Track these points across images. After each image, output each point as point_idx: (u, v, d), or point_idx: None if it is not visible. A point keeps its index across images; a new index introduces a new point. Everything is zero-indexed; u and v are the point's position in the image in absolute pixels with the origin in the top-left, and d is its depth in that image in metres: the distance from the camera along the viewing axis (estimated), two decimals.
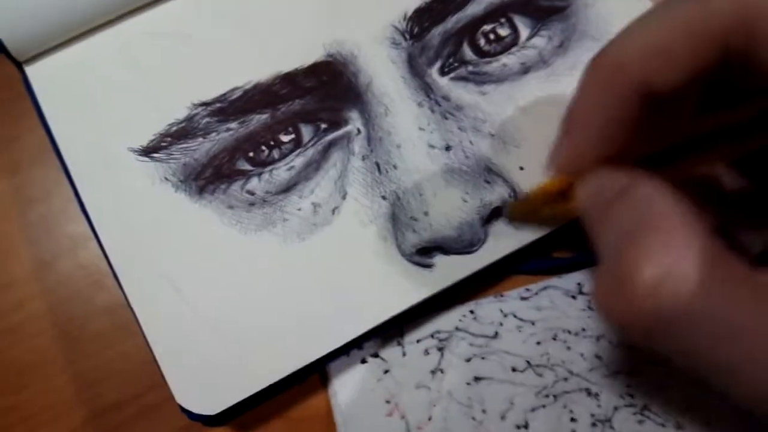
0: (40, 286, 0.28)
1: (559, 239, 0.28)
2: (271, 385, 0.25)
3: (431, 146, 0.27)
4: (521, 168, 0.27)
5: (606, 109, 0.19)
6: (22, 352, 0.28)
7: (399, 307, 0.26)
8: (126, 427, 0.27)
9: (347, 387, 0.27)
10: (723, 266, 0.16)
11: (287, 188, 0.27)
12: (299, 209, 0.26)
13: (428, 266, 0.26)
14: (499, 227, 0.27)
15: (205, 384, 0.25)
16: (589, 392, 0.27)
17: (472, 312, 0.28)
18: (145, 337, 0.25)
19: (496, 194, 0.26)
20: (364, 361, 0.27)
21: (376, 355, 0.27)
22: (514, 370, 0.27)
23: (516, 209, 0.26)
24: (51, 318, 0.28)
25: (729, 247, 0.16)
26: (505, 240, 0.27)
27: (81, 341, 0.28)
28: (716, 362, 0.15)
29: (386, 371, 0.27)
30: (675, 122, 0.20)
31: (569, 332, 0.27)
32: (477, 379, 0.27)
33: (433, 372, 0.27)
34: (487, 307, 0.28)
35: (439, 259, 0.26)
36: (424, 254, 0.26)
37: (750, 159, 0.22)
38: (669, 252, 0.15)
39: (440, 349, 0.27)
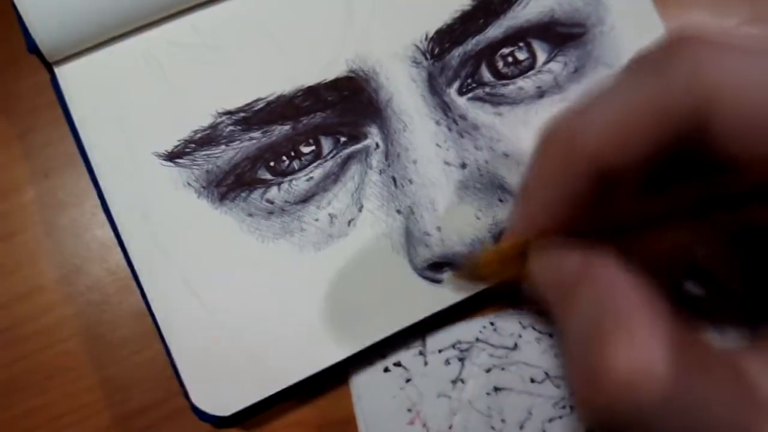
0: (70, 290, 0.29)
1: None
2: (283, 390, 0.26)
3: (447, 163, 0.28)
4: None
5: (558, 183, 0.19)
6: (51, 355, 0.28)
7: (408, 320, 0.27)
8: (153, 430, 0.28)
9: (370, 395, 0.28)
10: (691, 351, 0.16)
11: (306, 199, 0.27)
12: (316, 220, 0.27)
13: (438, 281, 0.27)
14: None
15: (219, 386, 0.25)
16: None
17: (492, 323, 0.29)
18: (162, 337, 0.26)
19: (509, 213, 0.27)
20: (386, 370, 0.28)
21: (398, 364, 0.28)
22: (532, 380, 0.28)
23: (464, 271, 0.26)
24: (80, 322, 0.29)
25: (689, 323, 0.17)
26: None
27: (109, 345, 0.29)
28: None
29: (408, 380, 0.28)
30: (630, 196, 0.20)
31: None
32: (497, 389, 0.28)
33: (454, 382, 0.28)
34: (507, 319, 0.29)
35: (449, 275, 0.27)
36: (435, 269, 0.27)
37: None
38: (638, 346, 0.16)
39: (461, 360, 0.28)
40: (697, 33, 0.17)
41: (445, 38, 0.29)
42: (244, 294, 0.26)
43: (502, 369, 0.28)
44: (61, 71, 0.27)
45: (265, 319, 0.26)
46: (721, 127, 0.16)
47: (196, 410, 0.25)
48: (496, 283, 0.26)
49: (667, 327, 0.16)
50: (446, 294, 0.27)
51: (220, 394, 0.25)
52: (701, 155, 0.17)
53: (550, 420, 0.27)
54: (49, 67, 0.28)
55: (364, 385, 0.28)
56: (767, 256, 0.21)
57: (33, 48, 0.27)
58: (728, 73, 0.16)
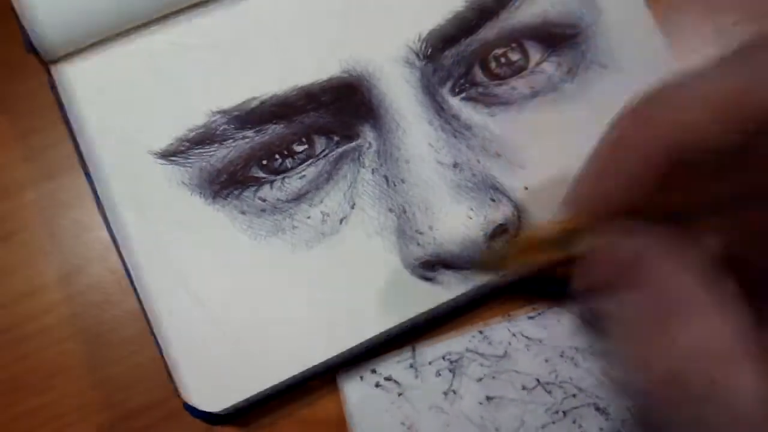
0: (72, 290, 0.29)
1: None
2: (276, 387, 0.26)
3: (439, 163, 0.28)
4: (526, 188, 0.28)
5: (632, 159, 0.19)
6: (52, 354, 0.29)
7: (401, 317, 0.27)
8: (152, 429, 0.28)
9: (364, 411, 0.28)
10: (753, 339, 0.16)
11: (298, 197, 0.27)
12: (308, 218, 0.27)
13: (430, 279, 0.27)
14: (502, 245, 0.27)
15: (211, 382, 0.26)
16: (597, 407, 0.28)
17: (481, 332, 0.29)
18: (153, 333, 0.26)
19: (501, 212, 0.27)
20: (378, 385, 0.28)
21: (390, 379, 0.28)
22: (524, 388, 0.28)
23: (513, 246, 0.26)
24: (81, 322, 0.29)
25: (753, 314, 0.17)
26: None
27: (109, 345, 0.29)
28: None
29: (400, 394, 0.28)
30: (700, 181, 0.21)
31: (576, 349, 0.28)
32: (489, 398, 0.28)
33: (446, 393, 0.28)
34: (496, 328, 0.29)
35: (442, 274, 0.27)
36: (427, 268, 0.27)
37: None
38: (707, 324, 0.16)
39: (452, 371, 0.28)
40: None
41: (438, 39, 0.29)
42: (236, 291, 0.26)
43: (494, 378, 0.28)
44: (57, 70, 0.28)
45: (256, 316, 0.26)
46: None
47: (187, 407, 0.25)
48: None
49: (733, 306, 0.16)
50: (439, 292, 0.27)
51: (211, 390, 0.25)
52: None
53: (544, 426, 0.27)
54: (46, 66, 0.28)
55: (358, 402, 0.28)
56: None
57: (30, 47, 0.27)
58: None
